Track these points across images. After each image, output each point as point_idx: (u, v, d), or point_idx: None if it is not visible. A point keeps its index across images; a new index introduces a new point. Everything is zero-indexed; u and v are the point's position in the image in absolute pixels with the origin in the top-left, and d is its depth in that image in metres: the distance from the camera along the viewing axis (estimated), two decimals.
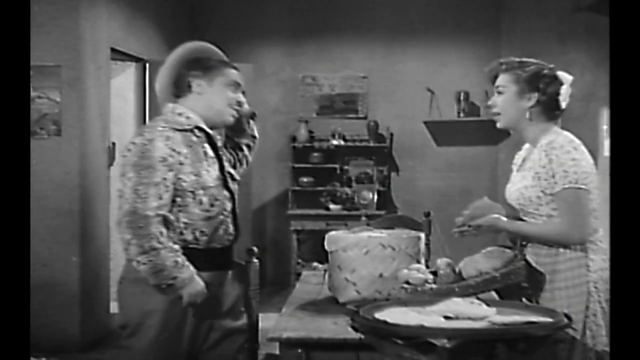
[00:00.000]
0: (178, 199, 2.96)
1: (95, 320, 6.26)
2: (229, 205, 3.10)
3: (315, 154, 8.73)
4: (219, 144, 3.20)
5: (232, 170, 3.21)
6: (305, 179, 8.68)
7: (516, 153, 3.28)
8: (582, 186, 2.88)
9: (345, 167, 8.81)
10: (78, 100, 5.89)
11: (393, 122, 8.86)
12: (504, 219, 3.02)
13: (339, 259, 3.12)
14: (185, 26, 8.73)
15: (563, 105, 3.07)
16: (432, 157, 8.86)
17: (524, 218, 3.02)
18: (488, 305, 2.41)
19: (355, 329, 2.31)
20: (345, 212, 8.43)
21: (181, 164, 2.97)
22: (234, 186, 3.17)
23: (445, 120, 8.66)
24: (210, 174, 3.06)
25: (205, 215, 3.00)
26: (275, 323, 2.91)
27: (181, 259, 2.88)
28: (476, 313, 2.33)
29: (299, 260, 8.30)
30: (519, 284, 2.89)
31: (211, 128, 3.17)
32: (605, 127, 7.86)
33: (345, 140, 8.80)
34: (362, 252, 3.08)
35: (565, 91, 3.06)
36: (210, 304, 3.01)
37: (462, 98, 8.56)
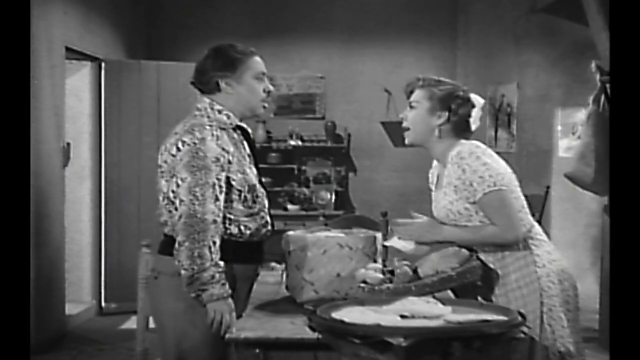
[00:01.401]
0: (225, 197, 2.97)
1: (51, 322, 6.18)
2: (266, 202, 3.16)
3: (273, 155, 8.72)
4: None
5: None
6: (263, 180, 8.67)
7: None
8: (502, 187, 2.92)
9: (303, 168, 8.83)
10: (32, 99, 5.81)
11: (350, 122, 8.89)
12: (437, 227, 3.05)
13: (296, 259, 3.12)
14: (142, 25, 8.67)
15: (473, 127, 3.11)
16: (390, 157, 8.90)
17: None
18: (444, 304, 2.42)
19: (313, 329, 2.31)
20: (303, 212, 8.44)
21: (230, 162, 2.98)
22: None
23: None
24: (252, 171, 3.10)
25: (248, 211, 3.04)
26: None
27: (219, 275, 2.88)
28: (432, 312, 2.34)
29: None
30: (475, 283, 2.91)
31: (241, 119, 3.15)
32: (559, 127, 7.96)
33: (303, 140, 8.81)
34: (320, 252, 3.08)
35: (476, 114, 3.10)
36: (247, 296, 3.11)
37: None
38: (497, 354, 2.23)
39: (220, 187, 2.94)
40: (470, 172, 2.92)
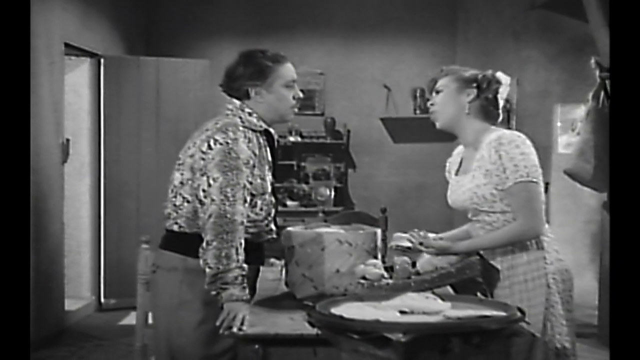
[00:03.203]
0: None
1: (50, 318, 6.18)
2: (272, 211, 3.11)
3: None
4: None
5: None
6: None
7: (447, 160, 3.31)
8: (533, 179, 2.90)
9: (303, 164, 8.82)
10: (31, 95, 5.81)
11: (350, 118, 8.89)
12: (452, 245, 3.00)
13: (296, 255, 3.13)
14: (142, 21, 8.66)
15: (501, 103, 3.09)
16: (389, 153, 8.90)
17: (475, 218, 3.04)
18: (443, 299, 2.43)
19: (312, 324, 2.32)
20: (303, 209, 8.44)
21: (254, 166, 2.96)
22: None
23: (402, 117, 8.71)
24: (269, 178, 3.06)
25: (254, 217, 3.01)
26: None
27: (242, 277, 2.84)
28: (431, 307, 2.34)
29: None
30: (474, 279, 2.91)
31: (269, 125, 3.12)
32: (559, 124, 7.96)
33: (302, 136, 8.80)
34: (320, 248, 3.08)
35: (503, 90, 3.09)
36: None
37: (418, 95, 8.62)
38: (496, 350, 2.24)
39: (248, 189, 2.91)
40: (507, 159, 2.90)
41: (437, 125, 3.13)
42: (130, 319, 6.59)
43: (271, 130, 3.11)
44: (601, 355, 5.65)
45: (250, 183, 2.95)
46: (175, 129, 7.35)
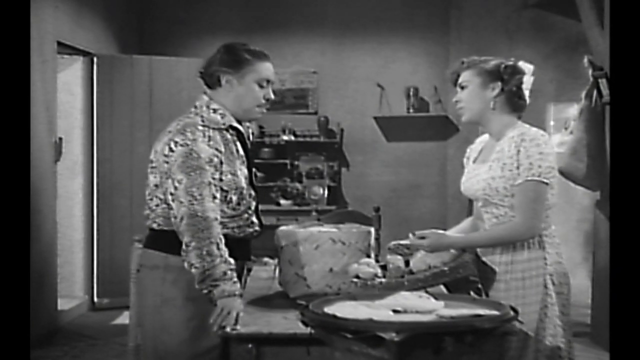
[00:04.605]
0: None
1: (43, 317, 6.17)
2: (253, 204, 3.10)
3: (266, 150, 8.71)
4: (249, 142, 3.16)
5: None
6: (257, 174, 8.65)
7: (467, 147, 3.30)
8: (544, 180, 2.90)
9: (296, 163, 8.82)
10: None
11: (343, 117, 8.88)
12: (447, 235, 3.03)
13: (289, 254, 3.12)
14: (134, 20, 8.64)
15: (526, 93, 3.08)
16: (382, 152, 8.90)
17: (484, 209, 3.03)
18: (436, 298, 2.43)
19: (305, 324, 2.32)
20: (296, 208, 8.43)
21: (221, 163, 2.95)
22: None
23: (395, 115, 8.71)
24: (243, 172, 3.05)
25: (232, 213, 3.00)
26: None
27: (230, 272, 2.82)
28: (424, 306, 2.35)
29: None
30: (467, 278, 2.91)
31: (239, 121, 3.11)
32: (552, 122, 7.97)
33: (295, 135, 8.80)
34: (313, 247, 3.08)
35: (527, 80, 3.08)
36: None
37: (411, 94, 8.63)
38: (489, 349, 2.24)
39: (216, 186, 2.91)
40: (524, 156, 2.90)
41: (463, 119, 3.13)
42: (124, 318, 6.58)
43: (238, 126, 3.09)
44: (594, 354, 5.66)
45: (221, 180, 2.94)
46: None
